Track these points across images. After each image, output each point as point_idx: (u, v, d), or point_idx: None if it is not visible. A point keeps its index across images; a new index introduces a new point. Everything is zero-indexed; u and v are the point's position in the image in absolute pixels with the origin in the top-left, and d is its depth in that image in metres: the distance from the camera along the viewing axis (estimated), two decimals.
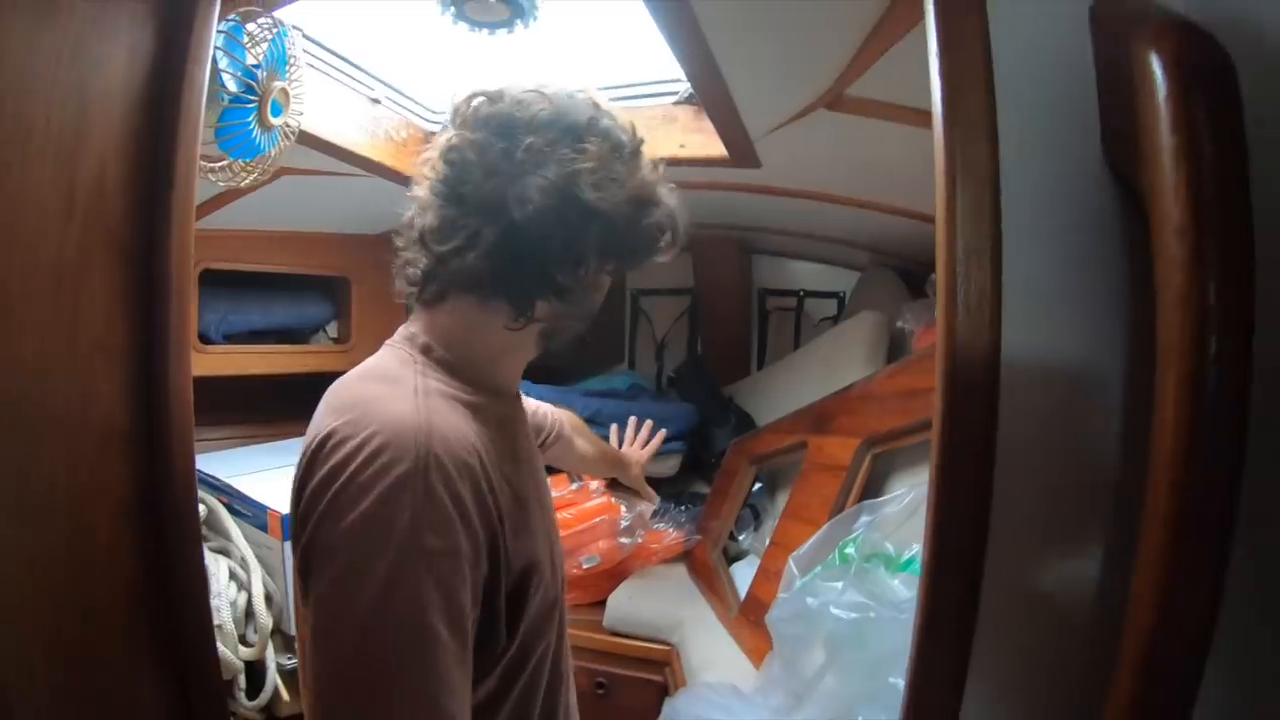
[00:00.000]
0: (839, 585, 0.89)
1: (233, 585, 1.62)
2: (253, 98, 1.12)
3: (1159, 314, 0.47)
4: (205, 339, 2.19)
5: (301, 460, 0.79)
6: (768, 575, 1.82)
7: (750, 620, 1.80)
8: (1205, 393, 0.44)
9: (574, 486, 2.38)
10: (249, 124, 1.13)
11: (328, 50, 1.76)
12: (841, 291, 2.99)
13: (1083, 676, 0.64)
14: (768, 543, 1.95)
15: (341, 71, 1.81)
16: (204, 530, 1.76)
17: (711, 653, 1.85)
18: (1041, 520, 0.65)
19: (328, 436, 0.76)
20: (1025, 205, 0.63)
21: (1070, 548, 0.66)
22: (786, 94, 1.32)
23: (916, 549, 0.99)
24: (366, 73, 1.85)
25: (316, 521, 0.73)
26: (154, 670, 0.82)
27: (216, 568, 1.62)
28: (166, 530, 0.82)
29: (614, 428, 1.91)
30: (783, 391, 2.53)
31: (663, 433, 1.90)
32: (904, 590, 0.86)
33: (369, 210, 2.04)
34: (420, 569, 0.69)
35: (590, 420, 2.43)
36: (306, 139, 1.68)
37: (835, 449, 1.75)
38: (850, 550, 1.04)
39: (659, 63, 1.73)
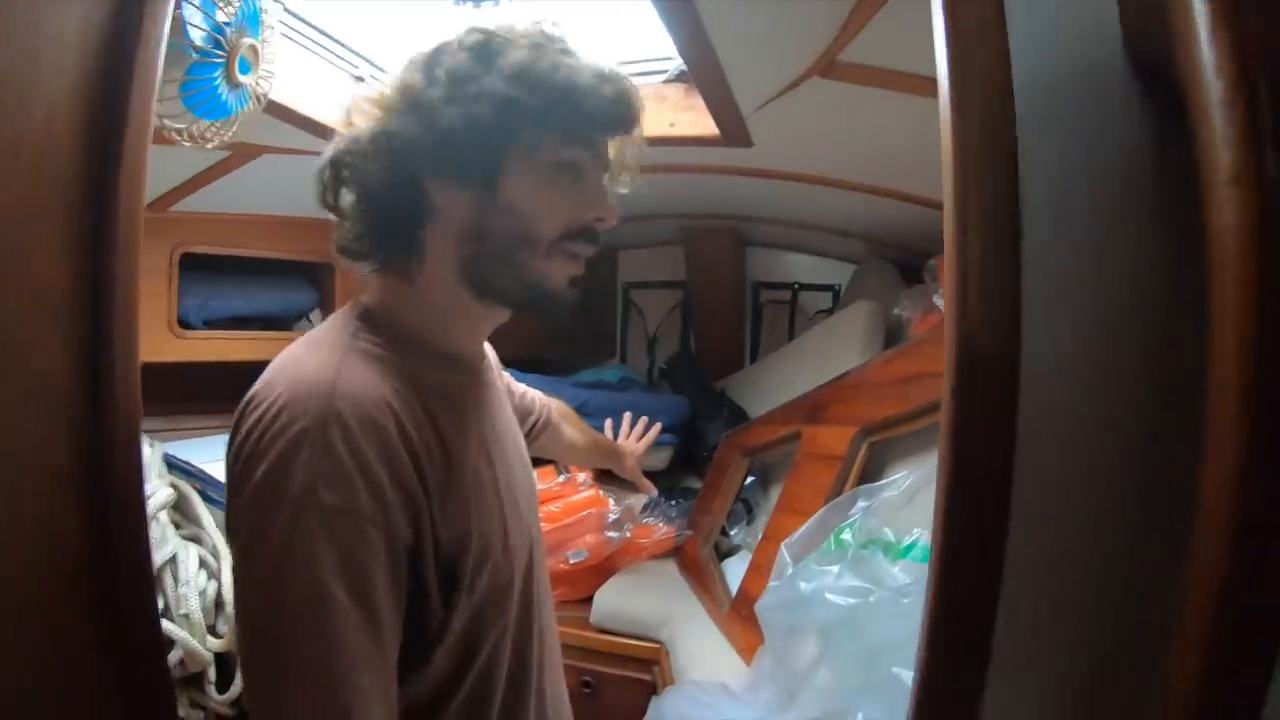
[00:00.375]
0: (834, 570, 0.83)
1: (203, 573, 1.56)
2: (220, 53, 1.06)
3: (1206, 205, 0.41)
4: (186, 324, 2.13)
5: None
6: (759, 570, 1.77)
7: (741, 616, 1.76)
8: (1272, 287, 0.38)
9: (561, 479, 2.34)
10: (215, 80, 1.06)
11: (310, 25, 1.71)
12: (837, 284, 2.96)
13: (1113, 662, 0.58)
14: (760, 537, 1.93)
15: (324, 48, 1.76)
16: (176, 516, 1.70)
17: (701, 650, 1.81)
18: (1065, 491, 0.60)
19: (244, 402, 0.74)
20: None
21: (1097, 526, 0.60)
22: (778, 61, 1.27)
23: (918, 534, 0.93)
24: (350, 50, 1.81)
25: (230, 490, 0.72)
26: (94, 646, 0.77)
27: (187, 555, 1.55)
28: (109, 500, 0.76)
29: (608, 422, 1.86)
30: (776, 384, 2.50)
31: (658, 426, 1.85)
32: (904, 576, 0.80)
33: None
34: (315, 525, 0.66)
35: (578, 410, 2.39)
36: (286, 114, 1.63)
37: (830, 438, 1.71)
38: (846, 536, 0.98)
39: (648, 40, 1.69)
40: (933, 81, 0.60)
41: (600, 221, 0.83)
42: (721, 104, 1.49)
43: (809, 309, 3.03)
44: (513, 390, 1.32)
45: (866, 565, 0.83)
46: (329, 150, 0.83)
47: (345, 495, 0.67)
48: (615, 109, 0.81)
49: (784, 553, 1.03)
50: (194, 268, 2.11)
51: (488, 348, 1.05)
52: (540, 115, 0.77)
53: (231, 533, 0.72)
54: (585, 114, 0.78)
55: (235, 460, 0.72)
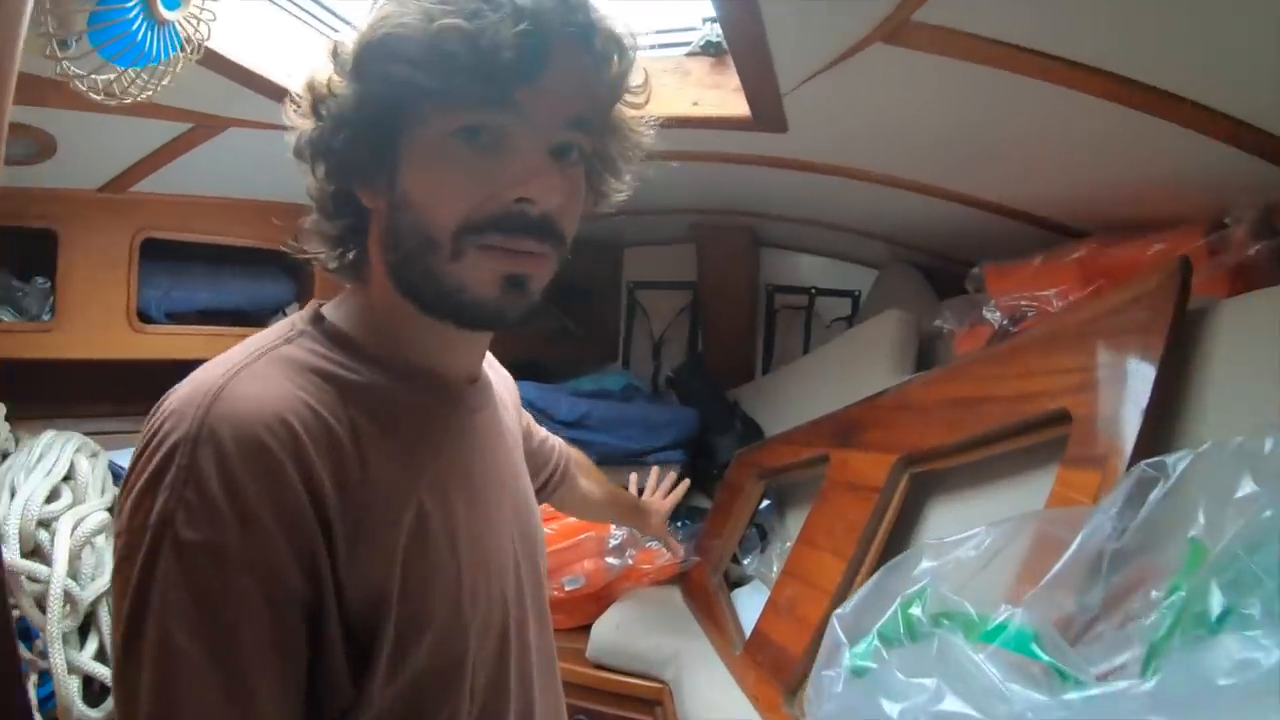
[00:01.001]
0: (929, 684, 0.63)
1: None
2: None
3: None
4: (145, 317, 1.99)
5: None
6: (778, 610, 1.62)
7: (757, 662, 1.59)
8: None
9: None
10: (132, 15, 0.86)
11: None
12: (856, 290, 2.84)
13: None
14: (776, 569, 1.80)
15: (299, 6, 1.60)
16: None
17: (711, 695, 1.64)
18: None
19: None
20: None
21: None
22: (837, 21, 1.08)
23: (1008, 612, 0.73)
24: (329, 10, 1.64)
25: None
26: None
27: None
28: None
29: (633, 477, 1.75)
30: (794, 398, 2.35)
31: (686, 482, 1.75)
32: (1029, 688, 0.60)
33: None
34: (169, 563, 0.55)
35: (578, 423, 2.26)
36: (253, 80, 1.46)
37: (864, 466, 1.55)
38: (917, 611, 0.78)
39: (667, 7, 1.56)
40: (1029, 53, 0.40)
41: (527, 203, 0.65)
42: (758, 77, 1.30)
43: (825, 316, 2.91)
44: (530, 433, 1.16)
45: (970, 676, 0.63)
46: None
47: (207, 530, 0.55)
48: (524, 41, 0.60)
49: (836, 628, 0.83)
50: (156, 255, 1.98)
51: (498, 373, 0.94)
52: (417, 83, 0.62)
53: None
54: (479, 64, 0.61)
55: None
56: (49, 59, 0.87)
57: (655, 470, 1.67)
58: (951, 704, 0.62)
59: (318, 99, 0.67)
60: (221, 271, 2.11)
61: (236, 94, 1.48)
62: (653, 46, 1.57)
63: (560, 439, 1.30)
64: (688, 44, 1.57)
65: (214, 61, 1.37)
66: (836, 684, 0.77)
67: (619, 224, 2.60)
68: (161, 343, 1.97)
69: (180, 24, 0.95)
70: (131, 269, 1.90)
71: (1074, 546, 0.79)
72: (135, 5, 0.87)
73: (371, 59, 0.63)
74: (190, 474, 0.56)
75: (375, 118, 0.65)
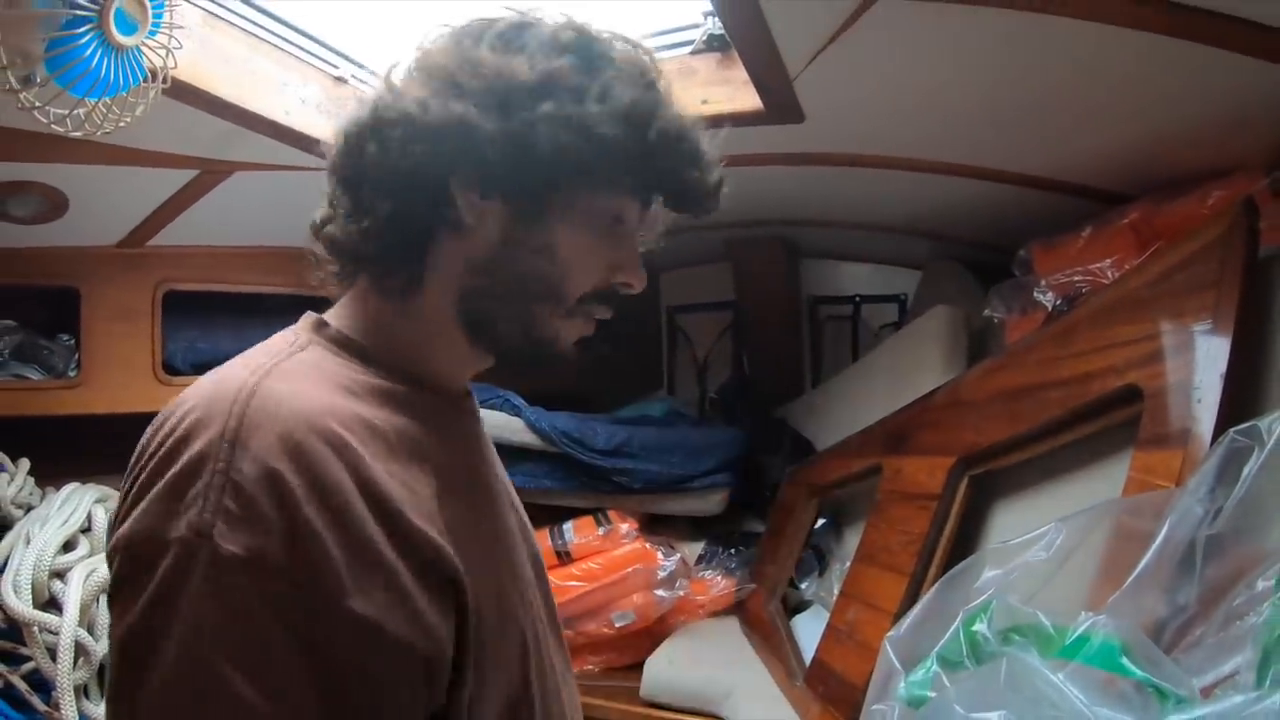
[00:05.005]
0: (997, 717, 0.52)
1: None
2: (90, 5, 0.81)
3: None
4: (172, 369, 1.99)
5: None
6: (839, 636, 1.53)
7: (818, 693, 1.50)
8: None
9: (601, 531, 2.12)
10: (84, 42, 0.81)
11: (281, 22, 1.55)
12: (902, 294, 2.74)
13: None
14: (836, 592, 1.72)
15: (298, 46, 1.60)
16: None
17: None
18: None
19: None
20: None
21: None
22: None
23: (1089, 621, 0.62)
24: (328, 47, 1.65)
25: (108, 538, 0.57)
26: None
27: None
28: None
29: None
30: (844, 410, 2.27)
31: None
32: (1121, 712, 0.49)
33: None
34: (202, 583, 0.50)
35: (616, 451, 2.18)
36: (253, 121, 1.45)
37: (919, 472, 1.46)
38: (981, 628, 0.67)
39: (668, 8, 1.53)
40: None
41: (626, 287, 0.73)
42: (765, 63, 1.24)
43: (873, 323, 2.82)
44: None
45: (1048, 702, 0.52)
46: (365, 105, 0.69)
47: (254, 543, 0.51)
48: (700, 188, 0.71)
49: (889, 652, 0.72)
50: (179, 307, 1.99)
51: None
52: (628, 168, 0.67)
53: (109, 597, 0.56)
54: (668, 178, 0.70)
55: (119, 501, 0.57)
56: (6, 93, 0.83)
57: None
58: None
59: (490, 89, 0.65)
60: (246, 321, 2.10)
61: (237, 136, 1.47)
62: (656, 49, 1.52)
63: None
64: (690, 43, 1.52)
65: (209, 103, 1.36)
66: (890, 719, 0.66)
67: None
68: None
69: (145, 52, 0.90)
70: (155, 322, 1.91)
71: (1160, 537, 0.69)
72: (87, 30, 0.82)
73: (605, 119, 0.65)
74: (228, 480, 0.51)
75: (567, 159, 0.65)
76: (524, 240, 0.67)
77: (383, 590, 0.53)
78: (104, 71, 0.86)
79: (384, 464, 0.58)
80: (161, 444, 0.55)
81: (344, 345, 0.68)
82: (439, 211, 0.67)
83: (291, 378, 0.59)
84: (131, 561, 0.53)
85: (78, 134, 0.90)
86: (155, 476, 0.53)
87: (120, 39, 0.85)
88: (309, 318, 0.71)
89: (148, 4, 0.86)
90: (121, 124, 0.92)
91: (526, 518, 0.85)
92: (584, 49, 0.67)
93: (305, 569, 0.51)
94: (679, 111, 0.69)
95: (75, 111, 0.88)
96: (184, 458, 0.53)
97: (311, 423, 0.55)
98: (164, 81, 0.96)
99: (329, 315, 0.72)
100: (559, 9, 0.71)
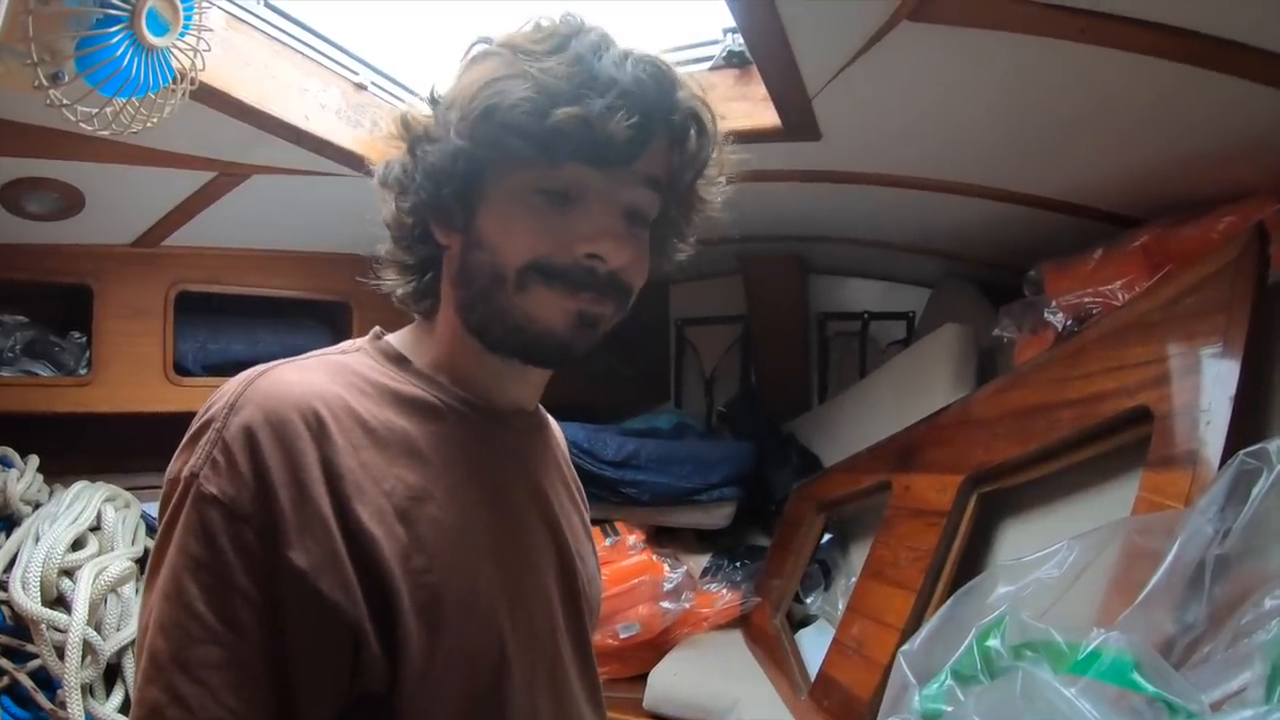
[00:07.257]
0: None
1: None
2: (122, 5, 0.83)
3: None
4: (182, 370, 2.00)
5: None
6: (844, 651, 1.53)
7: (823, 707, 1.51)
8: None
9: (609, 542, 2.12)
10: (116, 41, 0.83)
11: (303, 27, 1.57)
12: (911, 312, 2.75)
13: None
14: (842, 607, 1.73)
15: (319, 52, 1.61)
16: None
17: None
18: None
19: None
20: None
21: None
22: (857, 6, 1.01)
23: (1101, 637, 0.62)
24: (349, 54, 1.66)
25: None
26: None
27: None
28: None
29: None
30: (851, 426, 2.28)
31: None
32: None
33: (371, 222, 1.86)
34: (189, 514, 0.61)
35: (625, 462, 2.18)
36: (273, 125, 1.46)
37: (928, 489, 1.46)
38: (994, 643, 0.68)
39: (688, 24, 1.55)
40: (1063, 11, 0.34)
41: (597, 260, 0.69)
42: (784, 81, 1.25)
43: (881, 340, 2.85)
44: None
45: (1062, 715, 0.52)
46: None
47: (227, 488, 0.61)
48: (634, 134, 0.66)
49: (903, 666, 0.73)
50: (191, 308, 2.00)
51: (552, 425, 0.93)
52: (525, 154, 0.67)
53: None
54: (588, 149, 0.67)
55: None
56: (35, 89, 0.84)
57: None
58: None
59: (415, 140, 0.73)
60: (257, 323, 2.12)
61: (257, 139, 1.48)
62: (675, 65, 1.54)
63: None
64: (710, 58, 1.53)
65: (230, 106, 1.37)
66: None
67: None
68: (197, 395, 1.95)
69: (174, 53, 0.92)
70: (166, 322, 1.92)
71: (1170, 556, 0.70)
72: (119, 30, 0.84)
73: (484, 124, 0.67)
74: (220, 437, 0.62)
75: (469, 172, 0.70)
76: (468, 244, 0.72)
77: (319, 550, 0.60)
78: (134, 71, 0.88)
79: (358, 451, 0.65)
80: (199, 414, 0.65)
81: (386, 354, 0.76)
82: (431, 245, 0.76)
83: (305, 369, 0.69)
84: (163, 495, 0.64)
85: (105, 133, 0.92)
86: (185, 435, 0.65)
87: (152, 39, 0.87)
88: (374, 331, 0.79)
89: (179, 5, 0.89)
90: (149, 124, 0.94)
91: (578, 544, 0.85)
92: (474, 61, 0.72)
93: (263, 516, 0.60)
94: (582, 57, 0.67)
95: (103, 110, 0.90)
96: (201, 421, 0.64)
97: (297, 402, 0.64)
98: (191, 83, 0.98)
99: (390, 334, 0.80)
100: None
